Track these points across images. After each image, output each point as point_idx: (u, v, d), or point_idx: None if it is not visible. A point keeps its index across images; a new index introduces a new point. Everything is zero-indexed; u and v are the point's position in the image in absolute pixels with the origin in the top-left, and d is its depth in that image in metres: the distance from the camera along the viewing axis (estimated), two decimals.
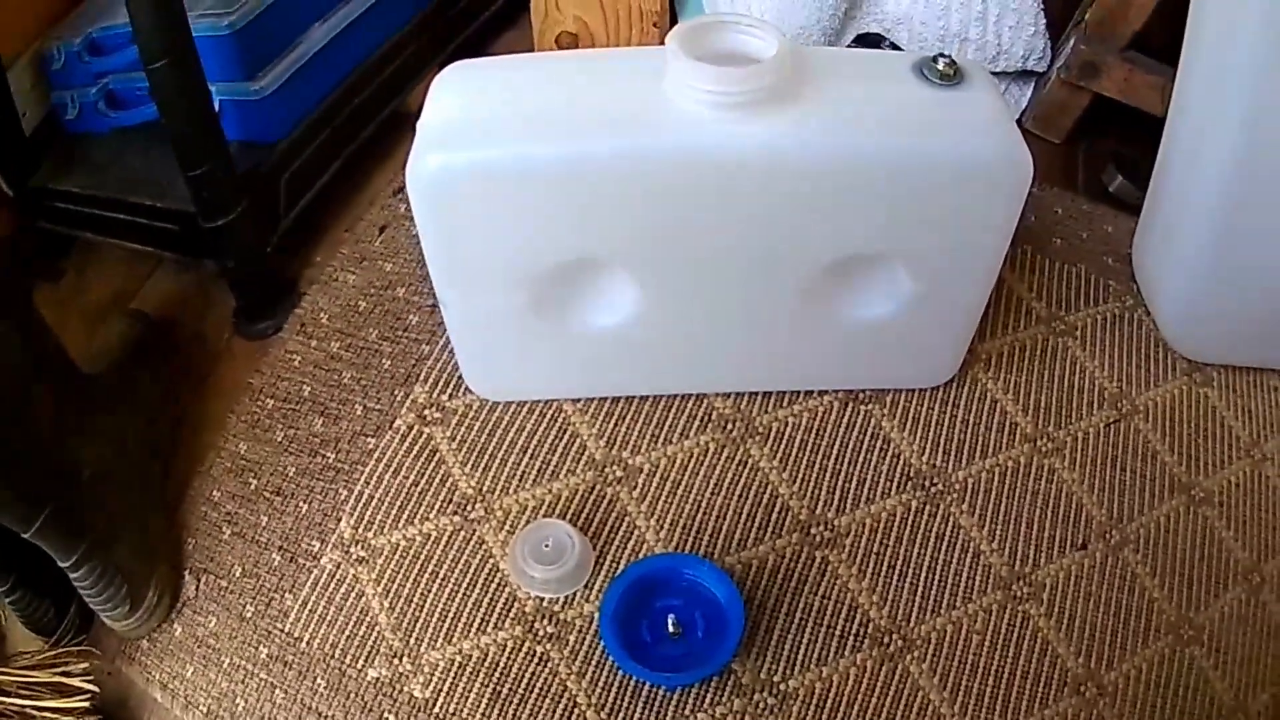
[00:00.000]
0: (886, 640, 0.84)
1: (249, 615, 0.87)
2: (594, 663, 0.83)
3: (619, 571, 0.87)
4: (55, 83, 1.11)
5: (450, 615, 0.85)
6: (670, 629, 0.82)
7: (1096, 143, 1.22)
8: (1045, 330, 1.03)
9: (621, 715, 0.81)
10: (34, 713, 0.79)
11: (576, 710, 0.81)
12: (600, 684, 0.82)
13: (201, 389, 1.02)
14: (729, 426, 0.95)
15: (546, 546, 0.85)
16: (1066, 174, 1.18)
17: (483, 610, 0.85)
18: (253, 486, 0.94)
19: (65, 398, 0.80)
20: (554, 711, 0.81)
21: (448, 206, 0.77)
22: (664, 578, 0.84)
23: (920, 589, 0.87)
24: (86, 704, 0.81)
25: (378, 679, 0.82)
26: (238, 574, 0.89)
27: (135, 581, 0.84)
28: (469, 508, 0.91)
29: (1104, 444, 0.96)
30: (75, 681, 0.82)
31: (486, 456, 0.93)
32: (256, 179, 1.00)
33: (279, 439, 0.97)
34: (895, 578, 0.87)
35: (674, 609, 0.83)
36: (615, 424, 0.95)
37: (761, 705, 0.81)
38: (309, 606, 0.86)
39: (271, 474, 0.95)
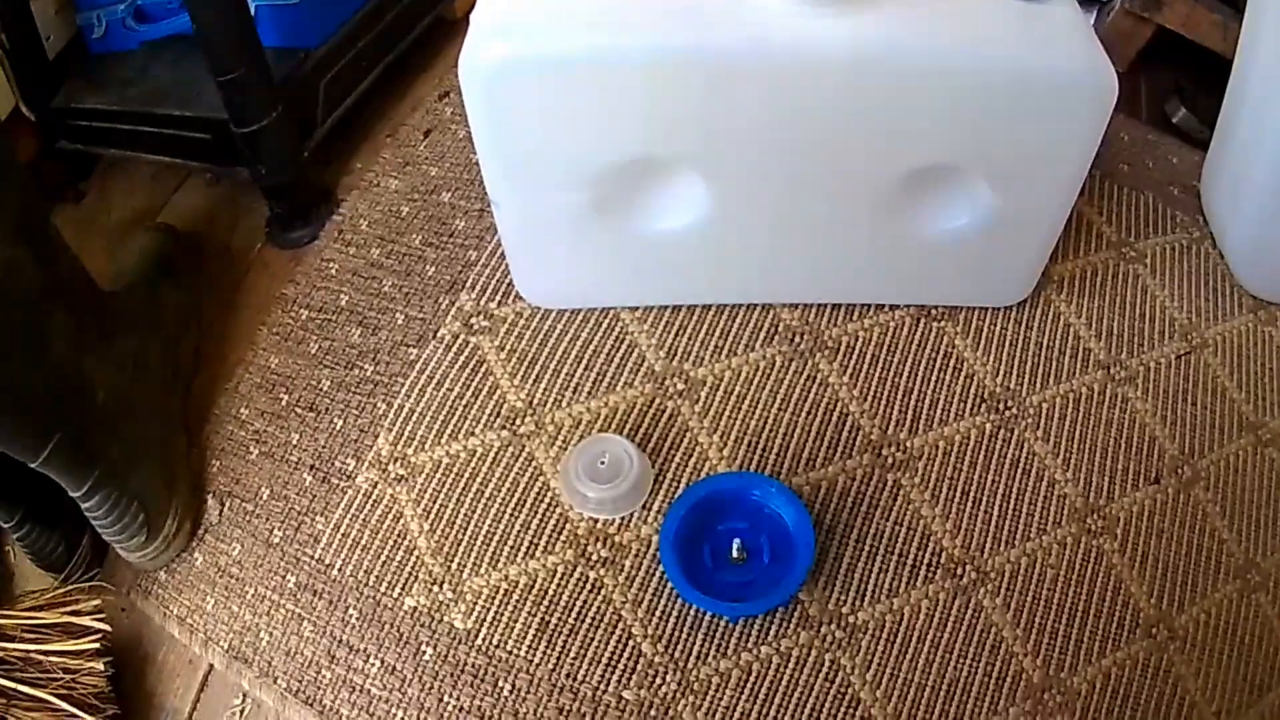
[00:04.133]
0: (960, 572, 0.73)
1: (276, 541, 0.76)
2: (651, 590, 0.72)
3: (680, 491, 0.76)
4: (81, 4, 1.01)
5: (495, 538, 0.74)
6: (734, 554, 0.72)
7: (1159, 74, 1.13)
8: (1115, 256, 0.92)
9: (680, 648, 0.70)
10: (40, 657, 0.68)
11: (631, 641, 0.70)
12: (657, 613, 0.71)
13: (230, 302, 0.91)
14: (796, 339, 0.84)
15: (602, 463, 0.74)
16: (1131, 103, 1.10)
17: (531, 533, 0.74)
18: (283, 402, 0.83)
19: (82, 322, 0.69)
20: (606, 643, 0.70)
21: (504, 102, 0.67)
22: (729, 498, 0.73)
23: (994, 518, 0.76)
24: (97, 644, 0.70)
25: (415, 608, 0.71)
26: (265, 496, 0.78)
27: (153, 509, 0.73)
28: (518, 422, 0.79)
29: (1175, 376, 0.85)
30: (85, 621, 0.71)
31: (538, 367, 0.82)
32: (293, 84, 0.89)
33: (313, 351, 0.85)
34: (969, 505, 0.76)
35: (739, 533, 0.72)
36: (676, 334, 0.84)
37: (830, 639, 0.70)
38: (342, 530, 0.75)
39: (304, 389, 0.83)
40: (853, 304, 0.86)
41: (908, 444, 0.79)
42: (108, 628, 0.71)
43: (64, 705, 0.66)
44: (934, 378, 0.83)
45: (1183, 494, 0.79)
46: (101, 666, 0.69)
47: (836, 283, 0.84)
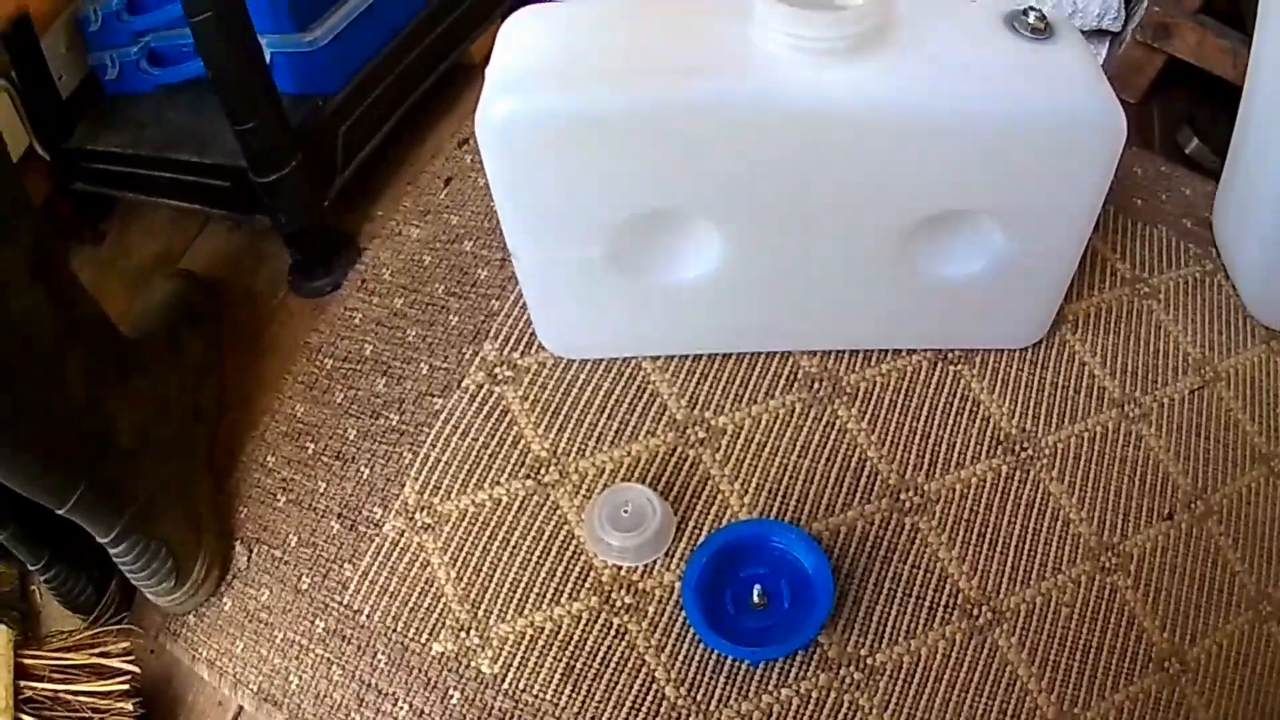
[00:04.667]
0: (976, 612, 0.75)
1: (305, 587, 0.77)
2: (674, 635, 0.73)
3: (701, 538, 0.77)
4: (93, 44, 1.02)
5: (521, 585, 0.75)
6: (755, 599, 0.73)
7: (1171, 103, 1.13)
8: (1129, 292, 0.93)
9: (702, 691, 0.71)
10: (69, 697, 0.70)
11: (655, 685, 0.71)
12: (680, 658, 0.72)
13: (254, 350, 0.92)
14: (815, 386, 0.85)
15: (625, 512, 0.75)
16: (1143, 134, 1.10)
17: (556, 580, 0.75)
18: (310, 451, 0.84)
19: (102, 364, 0.70)
20: (631, 687, 0.71)
21: (520, 156, 0.68)
22: (749, 545, 0.74)
23: (1010, 559, 0.77)
24: (126, 685, 0.71)
25: (443, 653, 0.73)
26: (293, 543, 0.79)
27: (181, 554, 0.74)
28: (542, 471, 0.81)
29: (1189, 411, 0.86)
30: (114, 662, 0.72)
31: (561, 417, 0.83)
32: (311, 132, 0.90)
33: (338, 400, 0.87)
34: (985, 547, 0.77)
35: (760, 578, 0.74)
36: (697, 383, 0.85)
37: (848, 680, 0.72)
38: (370, 577, 0.77)
39: (330, 437, 0.85)
40: (870, 349, 0.87)
41: (925, 488, 0.80)
42: (137, 669, 0.73)
43: None
44: (951, 421, 0.84)
45: (1196, 528, 0.80)
46: (130, 707, 0.71)
47: (853, 329, 0.85)
